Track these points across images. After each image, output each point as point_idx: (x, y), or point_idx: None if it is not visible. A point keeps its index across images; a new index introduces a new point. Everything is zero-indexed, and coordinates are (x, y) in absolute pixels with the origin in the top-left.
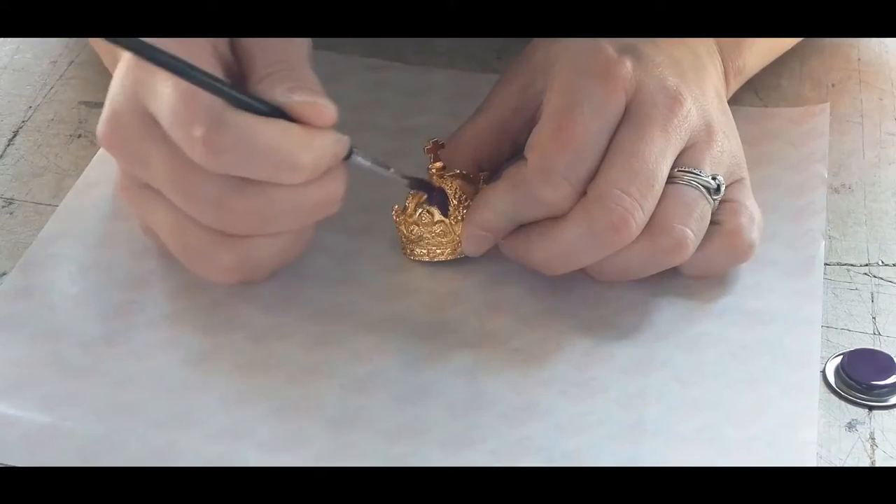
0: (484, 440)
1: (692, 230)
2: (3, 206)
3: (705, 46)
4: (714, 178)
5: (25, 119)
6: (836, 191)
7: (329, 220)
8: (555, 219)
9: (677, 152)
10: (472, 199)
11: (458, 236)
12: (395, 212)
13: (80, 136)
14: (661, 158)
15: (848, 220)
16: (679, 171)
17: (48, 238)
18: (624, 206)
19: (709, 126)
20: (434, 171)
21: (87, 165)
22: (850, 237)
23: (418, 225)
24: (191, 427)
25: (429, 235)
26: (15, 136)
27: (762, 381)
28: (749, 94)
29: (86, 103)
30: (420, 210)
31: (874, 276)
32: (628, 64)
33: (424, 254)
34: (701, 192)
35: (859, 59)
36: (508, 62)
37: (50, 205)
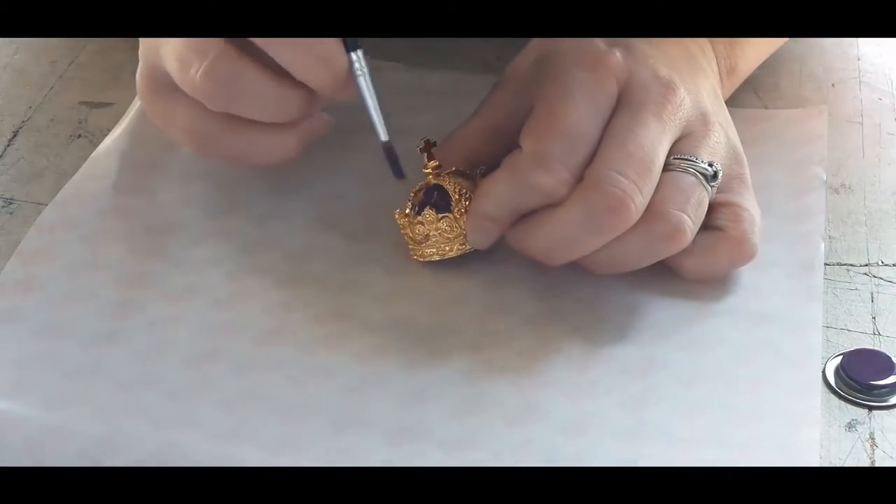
0: (486, 442)
1: (690, 216)
2: (3, 206)
3: (699, 46)
4: (711, 165)
5: (25, 119)
6: (836, 191)
7: (329, 224)
8: (553, 206)
9: (672, 139)
10: (472, 193)
11: (464, 230)
12: (399, 214)
13: (80, 136)
14: (657, 143)
15: (848, 220)
16: (675, 158)
17: (45, 226)
18: (622, 189)
19: (704, 116)
20: (430, 170)
21: None
22: (850, 237)
23: (423, 224)
24: (192, 428)
25: (435, 233)
26: (15, 136)
27: (764, 382)
28: (749, 95)
29: (86, 103)
30: (424, 209)
31: (874, 276)
32: (618, 54)
33: (434, 252)
34: (698, 178)
35: (859, 59)
36: (507, 64)
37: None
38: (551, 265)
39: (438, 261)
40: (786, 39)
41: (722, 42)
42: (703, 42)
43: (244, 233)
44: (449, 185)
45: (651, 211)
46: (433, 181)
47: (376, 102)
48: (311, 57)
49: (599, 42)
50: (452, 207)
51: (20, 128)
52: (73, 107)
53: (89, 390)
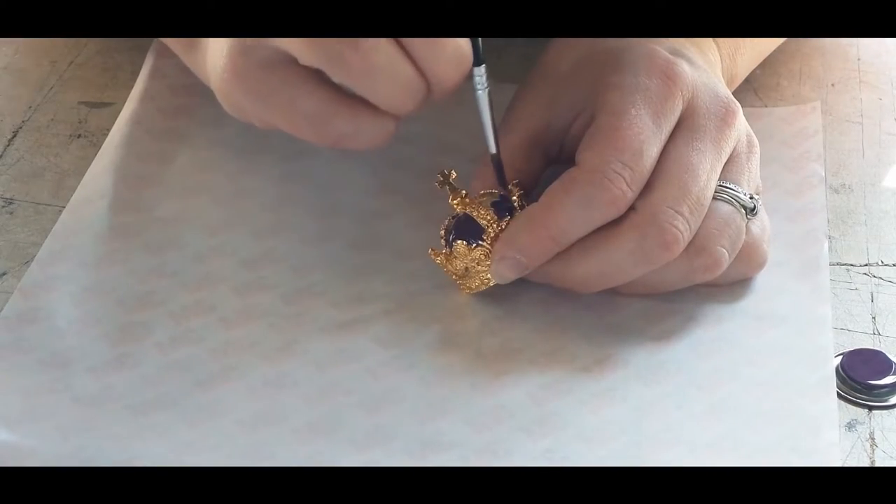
0: (508, 454)
1: (727, 249)
2: (3, 206)
3: (712, 52)
4: (752, 198)
5: (25, 119)
6: (836, 191)
7: (331, 235)
8: (600, 236)
9: (723, 163)
10: (496, 214)
11: None
12: (433, 253)
13: (80, 136)
14: (712, 174)
15: (848, 220)
16: (721, 185)
17: (46, 258)
18: (676, 226)
19: (749, 136)
20: (457, 201)
21: (86, 166)
22: (850, 237)
23: (458, 257)
24: (210, 452)
25: (472, 265)
26: (15, 136)
27: (778, 385)
28: (749, 95)
29: (86, 103)
30: (453, 243)
31: (874, 276)
32: (685, 66)
33: (480, 284)
34: (739, 211)
35: (859, 59)
36: (528, 73)
37: (50, 205)
38: (582, 292)
39: (484, 291)
40: (775, 48)
41: (727, 51)
42: (714, 49)
43: (246, 246)
44: (475, 212)
45: (695, 244)
46: (460, 211)
47: (490, 117)
48: (445, 53)
49: (660, 48)
50: (486, 235)
51: (20, 128)
52: (73, 107)
53: (102, 417)
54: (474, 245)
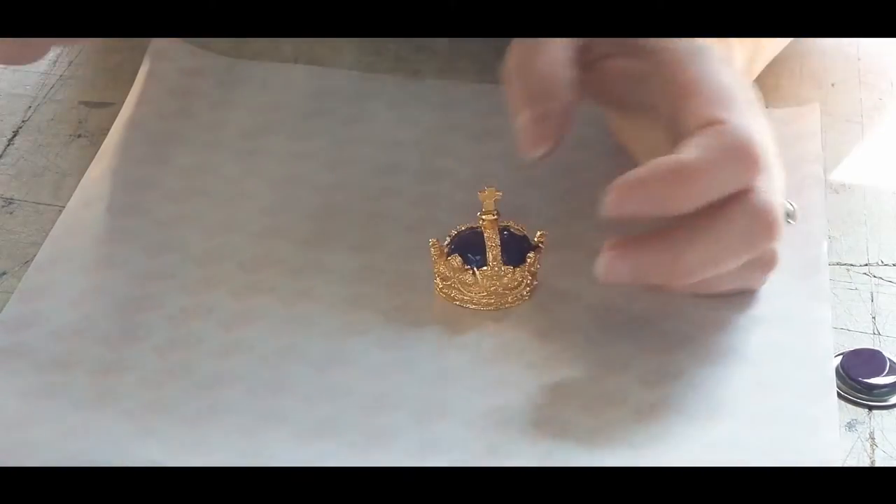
0: (508, 457)
1: (777, 249)
2: (3, 206)
3: (737, 54)
4: (791, 204)
5: (25, 119)
6: (836, 191)
7: (328, 238)
8: (701, 219)
9: None
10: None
11: (487, 290)
12: (435, 245)
13: (80, 136)
14: None
15: (848, 220)
16: None
17: (45, 262)
18: (776, 210)
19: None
20: (486, 220)
21: (86, 166)
22: (850, 237)
23: (448, 269)
24: (210, 455)
25: (457, 282)
26: (15, 136)
27: (779, 385)
28: None
29: (86, 103)
30: (454, 252)
31: (874, 276)
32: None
33: (455, 297)
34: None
35: (859, 59)
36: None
37: (50, 205)
38: (666, 288)
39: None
40: (776, 52)
41: (747, 55)
42: (738, 49)
43: (244, 249)
44: (490, 237)
45: None
46: (481, 226)
47: None
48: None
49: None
50: (485, 265)
51: (20, 128)
52: (73, 107)
53: (99, 420)
54: (466, 267)
